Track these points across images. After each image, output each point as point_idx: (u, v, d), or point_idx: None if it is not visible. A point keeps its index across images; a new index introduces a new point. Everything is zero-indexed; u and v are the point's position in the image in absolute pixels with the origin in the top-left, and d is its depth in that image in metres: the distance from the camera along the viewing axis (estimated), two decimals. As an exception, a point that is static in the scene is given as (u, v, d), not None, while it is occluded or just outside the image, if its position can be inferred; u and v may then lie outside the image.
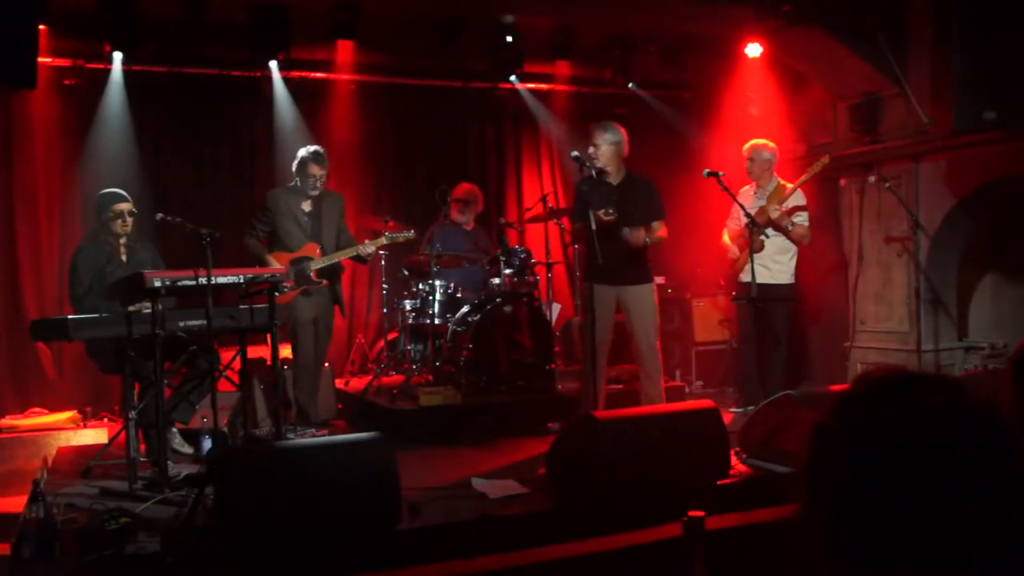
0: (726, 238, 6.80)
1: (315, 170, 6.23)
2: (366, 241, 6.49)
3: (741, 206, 6.30)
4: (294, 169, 6.34)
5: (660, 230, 5.96)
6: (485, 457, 5.60)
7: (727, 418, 5.46)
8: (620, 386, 6.86)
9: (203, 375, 5.24)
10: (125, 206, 5.50)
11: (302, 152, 6.30)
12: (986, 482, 1.12)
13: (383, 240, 6.52)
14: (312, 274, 6.20)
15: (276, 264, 6.08)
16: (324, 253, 6.28)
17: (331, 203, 6.44)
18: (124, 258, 5.50)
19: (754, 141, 6.77)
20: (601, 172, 5.86)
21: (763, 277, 6.33)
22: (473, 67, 8.30)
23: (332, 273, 6.38)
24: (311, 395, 6.34)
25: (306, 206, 6.32)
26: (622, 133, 5.91)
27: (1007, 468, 1.14)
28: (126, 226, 5.50)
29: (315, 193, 6.29)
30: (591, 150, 5.86)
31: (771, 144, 6.74)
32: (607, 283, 5.77)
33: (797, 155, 8.14)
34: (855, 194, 7.89)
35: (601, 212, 5.62)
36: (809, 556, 1.21)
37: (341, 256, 6.33)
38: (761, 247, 6.41)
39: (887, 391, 1.21)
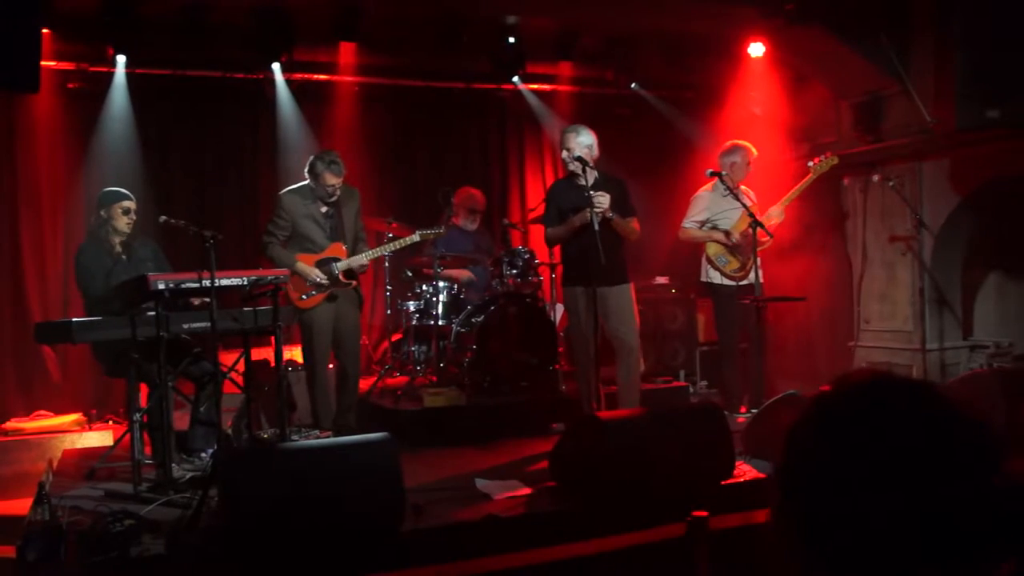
0: (716, 247, 6.71)
1: (331, 180, 5.91)
2: (386, 243, 6.37)
3: (745, 206, 6.30)
4: (306, 172, 6.03)
5: (634, 223, 5.96)
6: (489, 458, 5.60)
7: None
8: (615, 387, 6.84)
9: (212, 394, 5.20)
10: (131, 204, 5.50)
11: (316, 160, 5.97)
12: (963, 489, 1.11)
13: (394, 245, 6.37)
14: (340, 275, 6.01)
15: (307, 267, 5.93)
16: (349, 252, 6.09)
17: (348, 202, 6.17)
18: (125, 257, 5.49)
19: (742, 142, 6.74)
20: (574, 174, 5.85)
21: (752, 277, 6.36)
22: (476, 68, 8.32)
23: (355, 274, 6.17)
24: (325, 401, 6.12)
25: (323, 207, 6.06)
26: (593, 135, 5.88)
27: (985, 476, 1.13)
28: (130, 224, 5.49)
29: (331, 200, 6.02)
30: (564, 154, 5.84)
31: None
32: (587, 285, 5.73)
33: (800, 154, 8.14)
34: (858, 193, 7.88)
35: (599, 197, 5.62)
36: (784, 559, 1.19)
37: (368, 256, 6.13)
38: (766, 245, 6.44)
39: (864, 394, 1.20)
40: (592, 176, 5.80)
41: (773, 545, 1.21)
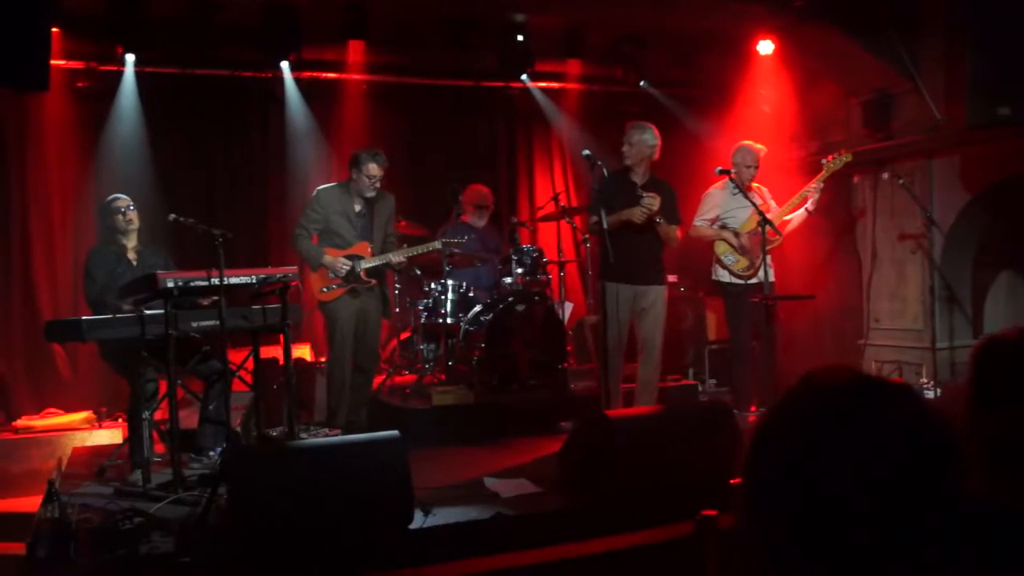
0: (724, 246, 6.68)
1: (374, 170, 6.01)
2: (400, 250, 6.32)
3: (753, 204, 6.28)
4: (349, 167, 6.14)
5: (677, 232, 6.05)
6: (498, 456, 5.60)
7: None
8: (635, 384, 6.83)
9: (221, 392, 5.23)
10: (122, 202, 5.52)
11: (360, 152, 6.10)
12: (926, 490, 1.09)
13: (416, 250, 6.38)
14: (362, 273, 6.06)
15: (333, 259, 5.97)
16: (375, 253, 6.16)
17: (383, 205, 6.27)
18: (134, 262, 5.51)
19: (749, 142, 6.70)
20: (628, 170, 5.91)
21: (769, 276, 6.34)
22: (484, 66, 8.30)
23: (380, 274, 6.23)
24: (341, 396, 6.12)
25: (358, 205, 6.15)
26: (658, 138, 5.98)
27: (954, 481, 1.12)
28: (128, 221, 5.50)
29: (370, 194, 6.11)
30: (625, 148, 5.91)
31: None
32: (625, 282, 5.77)
33: (810, 152, 8.12)
34: (868, 191, 7.85)
35: (646, 200, 5.71)
36: (749, 557, 1.17)
37: (384, 259, 6.15)
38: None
39: (829, 394, 1.18)
40: (644, 177, 5.96)
41: (739, 544, 1.19)
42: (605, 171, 5.83)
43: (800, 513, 1.12)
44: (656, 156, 6.00)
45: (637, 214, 5.71)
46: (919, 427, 1.13)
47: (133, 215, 5.54)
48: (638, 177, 5.95)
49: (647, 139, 5.92)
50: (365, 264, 6.08)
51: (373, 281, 6.15)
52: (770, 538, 1.15)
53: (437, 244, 6.55)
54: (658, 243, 5.99)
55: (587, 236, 6.62)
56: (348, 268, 6.00)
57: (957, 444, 1.14)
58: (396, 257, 6.18)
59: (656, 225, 5.84)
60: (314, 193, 6.22)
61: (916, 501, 1.09)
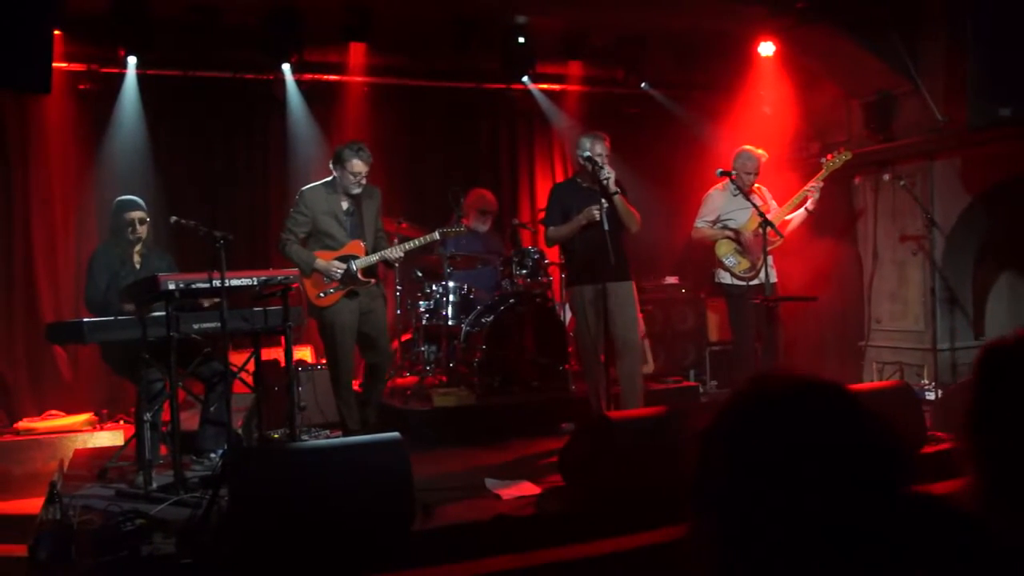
0: (725, 248, 6.66)
1: (358, 167, 5.71)
2: (395, 245, 6.12)
3: (755, 206, 6.27)
4: (332, 164, 5.86)
5: (636, 215, 5.97)
6: (499, 457, 5.61)
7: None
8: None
9: (222, 394, 5.23)
10: (136, 214, 5.49)
11: (343, 148, 5.79)
12: (871, 497, 1.10)
13: (414, 243, 6.17)
14: (359, 273, 5.81)
15: (326, 263, 5.75)
16: (368, 251, 5.91)
17: (370, 200, 6.00)
18: (138, 265, 5.51)
19: (750, 147, 6.69)
20: (576, 177, 5.98)
21: (771, 277, 6.33)
22: (485, 68, 8.32)
23: (375, 272, 6.00)
24: (351, 402, 5.92)
25: (345, 203, 5.88)
26: (591, 141, 5.90)
27: (895, 486, 1.12)
28: (137, 233, 5.49)
29: (356, 191, 5.84)
30: (604, 160, 5.84)
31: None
32: (590, 283, 5.75)
33: (811, 153, 8.12)
34: (869, 192, 7.85)
35: (595, 211, 5.67)
36: (700, 565, 1.17)
37: (383, 255, 5.91)
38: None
39: (773, 397, 1.18)
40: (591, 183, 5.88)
41: (689, 553, 1.19)
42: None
43: (739, 515, 1.12)
44: (604, 163, 5.85)
45: (594, 215, 5.66)
46: (856, 431, 1.14)
47: (142, 229, 5.50)
48: (586, 182, 5.94)
49: (594, 149, 5.89)
50: (360, 263, 5.83)
51: (372, 280, 5.93)
52: (713, 540, 1.15)
53: (435, 235, 6.24)
54: (619, 238, 5.92)
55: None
56: (343, 271, 5.79)
57: (898, 446, 1.15)
58: (393, 253, 5.93)
59: (615, 195, 5.77)
60: (298, 195, 5.95)
61: (853, 503, 1.09)
